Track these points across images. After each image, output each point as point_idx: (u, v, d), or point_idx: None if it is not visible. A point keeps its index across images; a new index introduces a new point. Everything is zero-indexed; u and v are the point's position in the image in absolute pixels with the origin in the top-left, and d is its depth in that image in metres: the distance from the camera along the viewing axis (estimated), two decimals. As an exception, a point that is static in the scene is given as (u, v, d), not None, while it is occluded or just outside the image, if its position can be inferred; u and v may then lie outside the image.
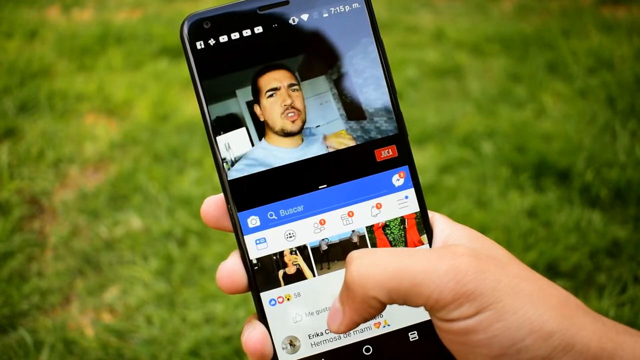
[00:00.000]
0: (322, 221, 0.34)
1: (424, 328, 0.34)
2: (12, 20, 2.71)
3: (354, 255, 0.29)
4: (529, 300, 0.26)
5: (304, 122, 0.35)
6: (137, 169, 1.73)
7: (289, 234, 0.34)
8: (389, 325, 0.34)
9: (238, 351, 1.18)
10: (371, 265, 0.28)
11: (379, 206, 0.35)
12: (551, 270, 1.34)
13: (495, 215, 1.51)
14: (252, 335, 0.33)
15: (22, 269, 1.40)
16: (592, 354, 0.26)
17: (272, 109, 0.35)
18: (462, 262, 0.27)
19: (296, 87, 0.35)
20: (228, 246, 1.44)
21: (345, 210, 0.35)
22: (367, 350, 0.34)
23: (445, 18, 2.81)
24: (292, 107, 0.35)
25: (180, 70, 2.31)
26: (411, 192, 0.35)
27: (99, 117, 2.03)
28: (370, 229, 0.35)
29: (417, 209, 0.35)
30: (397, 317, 0.34)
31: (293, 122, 0.35)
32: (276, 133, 0.35)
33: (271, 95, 0.35)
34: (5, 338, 1.22)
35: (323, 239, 0.35)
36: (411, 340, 0.34)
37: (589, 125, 1.87)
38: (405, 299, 0.28)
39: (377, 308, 0.29)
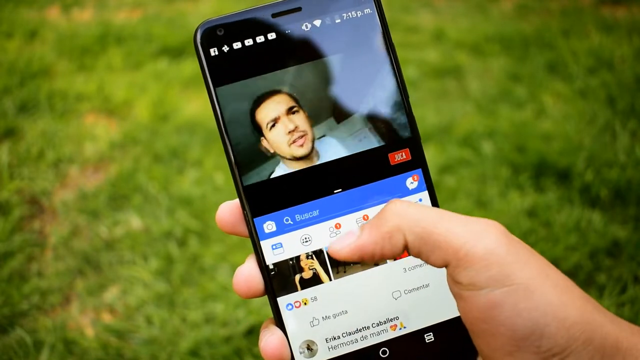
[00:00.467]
0: (337, 225, 0.35)
1: (440, 329, 0.34)
2: (12, 20, 2.71)
3: (396, 199, 0.31)
4: (554, 286, 0.26)
5: (313, 141, 0.35)
6: (137, 169, 1.73)
7: (305, 238, 0.35)
8: (405, 327, 0.35)
9: (238, 351, 1.18)
10: (412, 207, 0.29)
11: None
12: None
13: (495, 215, 1.51)
14: (270, 340, 0.33)
15: (22, 269, 1.40)
16: (608, 353, 0.26)
17: (278, 141, 0.35)
18: (496, 228, 0.28)
19: (295, 108, 0.35)
20: (228, 246, 1.44)
21: (361, 214, 0.35)
22: (384, 352, 0.34)
23: (445, 18, 2.81)
24: (298, 131, 0.35)
25: (180, 70, 2.31)
26: (425, 194, 0.36)
27: (99, 117, 2.03)
28: None
29: None
30: (413, 319, 0.35)
31: (301, 145, 0.35)
32: (288, 159, 0.35)
33: (273, 126, 0.35)
34: (5, 338, 1.22)
35: None
36: (427, 341, 0.34)
37: (589, 125, 1.87)
38: (434, 247, 0.28)
39: (396, 247, 0.29)
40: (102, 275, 1.39)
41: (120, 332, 1.24)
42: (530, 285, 0.26)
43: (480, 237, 0.27)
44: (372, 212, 0.35)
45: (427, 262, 0.28)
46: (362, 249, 0.29)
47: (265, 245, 0.34)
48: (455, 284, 0.28)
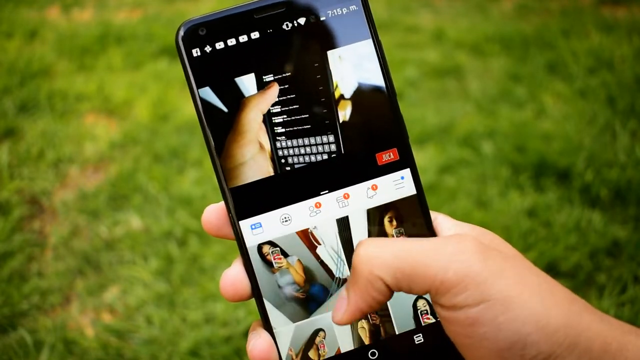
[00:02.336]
0: (317, 204, 0.34)
1: (429, 331, 0.34)
2: (12, 20, 2.71)
3: (363, 240, 0.30)
4: (535, 294, 0.26)
5: None
6: (137, 169, 1.73)
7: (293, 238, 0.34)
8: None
9: (238, 351, 1.18)
10: (378, 247, 0.29)
11: None
12: (551, 271, 1.34)
13: (495, 215, 1.51)
14: (258, 344, 0.33)
15: (22, 269, 1.40)
16: (596, 355, 0.25)
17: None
18: (467, 246, 0.27)
19: None
20: (228, 246, 1.44)
21: (341, 192, 0.35)
22: (373, 354, 0.34)
23: (445, 18, 2.81)
24: None
25: (180, 70, 2.30)
26: (413, 195, 0.35)
27: (99, 117, 2.03)
28: None
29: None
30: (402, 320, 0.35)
31: None
32: None
33: None
34: (5, 338, 1.22)
35: None
36: (417, 343, 0.34)
37: (589, 125, 1.87)
38: (410, 281, 0.28)
39: (382, 292, 0.28)
40: (102, 275, 1.39)
41: (120, 332, 1.24)
42: (508, 297, 0.26)
43: (451, 261, 0.27)
44: (351, 190, 0.34)
45: (410, 293, 0.28)
46: (358, 310, 0.29)
47: (252, 247, 0.34)
48: (437, 306, 0.28)
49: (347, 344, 0.34)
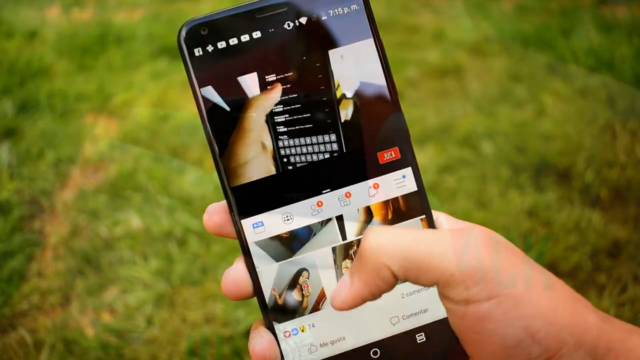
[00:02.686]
0: (319, 203, 0.34)
1: (432, 329, 0.34)
2: (12, 20, 2.70)
3: (372, 227, 0.29)
4: (543, 290, 0.26)
5: None
6: (137, 169, 1.73)
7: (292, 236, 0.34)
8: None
9: (238, 351, 1.18)
10: (388, 235, 0.28)
11: None
12: (551, 271, 1.34)
13: (495, 215, 1.51)
14: (260, 343, 0.33)
15: (22, 269, 1.40)
16: (600, 354, 0.25)
17: None
18: (478, 239, 0.27)
19: None
20: (228, 246, 1.44)
21: (342, 191, 0.35)
22: (375, 353, 0.34)
23: (445, 18, 2.81)
24: None
25: (181, 70, 2.29)
26: (415, 194, 0.35)
27: (99, 117, 2.03)
28: None
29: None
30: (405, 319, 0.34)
31: None
32: None
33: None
34: (5, 338, 1.22)
35: None
36: (419, 342, 0.34)
37: (589, 125, 1.87)
38: (419, 272, 0.27)
39: (387, 281, 0.28)
40: (102, 275, 1.39)
41: (120, 332, 1.24)
42: (519, 293, 0.26)
43: (463, 253, 0.26)
44: (353, 189, 0.34)
45: (416, 284, 0.28)
46: (359, 296, 0.29)
47: (253, 246, 0.34)
48: (445, 299, 0.27)
49: (331, 284, 0.34)
